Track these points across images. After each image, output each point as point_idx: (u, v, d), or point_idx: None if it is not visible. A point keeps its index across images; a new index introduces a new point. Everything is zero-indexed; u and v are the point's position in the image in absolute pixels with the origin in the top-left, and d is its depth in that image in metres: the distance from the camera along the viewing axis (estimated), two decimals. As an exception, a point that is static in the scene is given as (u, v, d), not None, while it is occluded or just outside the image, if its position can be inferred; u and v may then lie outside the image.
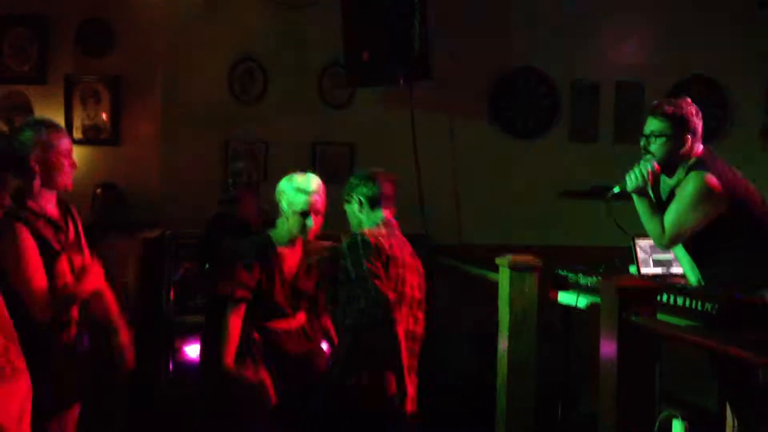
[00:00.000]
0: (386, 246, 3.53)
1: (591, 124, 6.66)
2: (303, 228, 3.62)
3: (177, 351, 5.53)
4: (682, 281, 3.91)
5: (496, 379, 4.11)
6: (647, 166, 3.64)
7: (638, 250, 4.68)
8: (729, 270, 3.63)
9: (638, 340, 2.82)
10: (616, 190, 3.74)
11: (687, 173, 3.63)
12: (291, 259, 3.70)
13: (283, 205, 3.66)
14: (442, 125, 6.26)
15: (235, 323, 3.57)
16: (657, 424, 3.33)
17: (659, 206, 3.70)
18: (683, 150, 3.64)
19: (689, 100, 3.73)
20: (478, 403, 4.73)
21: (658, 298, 3.10)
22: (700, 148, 3.70)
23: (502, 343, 4.02)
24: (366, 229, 3.62)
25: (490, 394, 4.15)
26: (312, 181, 3.66)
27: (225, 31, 6.15)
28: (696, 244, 3.65)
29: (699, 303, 3.08)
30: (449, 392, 5.05)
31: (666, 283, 3.47)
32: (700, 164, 3.62)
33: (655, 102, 3.78)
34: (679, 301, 3.17)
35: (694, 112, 3.68)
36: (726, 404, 3.82)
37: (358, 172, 3.80)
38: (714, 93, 6.68)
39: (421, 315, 3.66)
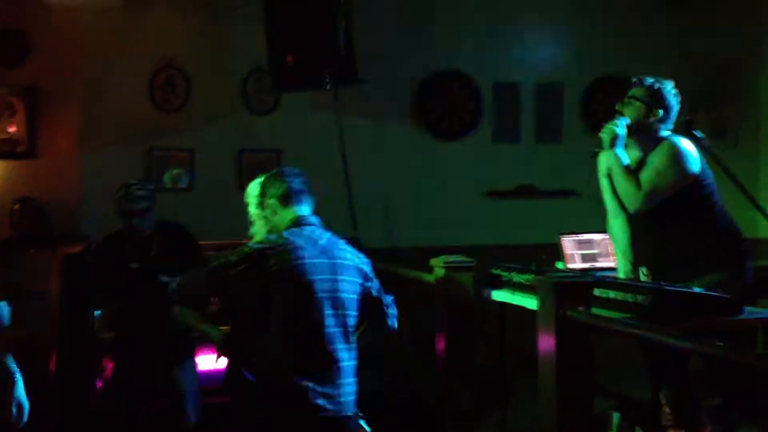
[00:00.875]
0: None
1: (513, 125, 6.75)
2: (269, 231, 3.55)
3: (105, 369, 5.37)
4: (610, 275, 4.00)
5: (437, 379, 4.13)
6: (619, 121, 3.77)
7: (565, 246, 4.78)
8: (675, 248, 3.74)
9: (576, 335, 2.86)
10: (596, 150, 3.83)
11: (661, 143, 3.75)
12: None
13: (251, 209, 3.62)
14: (369, 128, 6.27)
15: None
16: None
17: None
18: (653, 120, 3.78)
19: (673, 83, 3.88)
20: (419, 405, 4.75)
21: (593, 292, 3.16)
22: (669, 132, 3.83)
23: (440, 343, 4.04)
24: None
25: (431, 394, 4.17)
26: None
27: (145, 39, 6.02)
28: (656, 212, 3.75)
29: (631, 296, 3.16)
30: (389, 395, 5.04)
31: (599, 278, 3.53)
32: (674, 135, 3.78)
33: None
34: (612, 294, 3.24)
35: (672, 92, 3.84)
36: (659, 394, 3.91)
37: (262, 176, 3.50)
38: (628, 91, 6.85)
39: (349, 317, 3.33)
